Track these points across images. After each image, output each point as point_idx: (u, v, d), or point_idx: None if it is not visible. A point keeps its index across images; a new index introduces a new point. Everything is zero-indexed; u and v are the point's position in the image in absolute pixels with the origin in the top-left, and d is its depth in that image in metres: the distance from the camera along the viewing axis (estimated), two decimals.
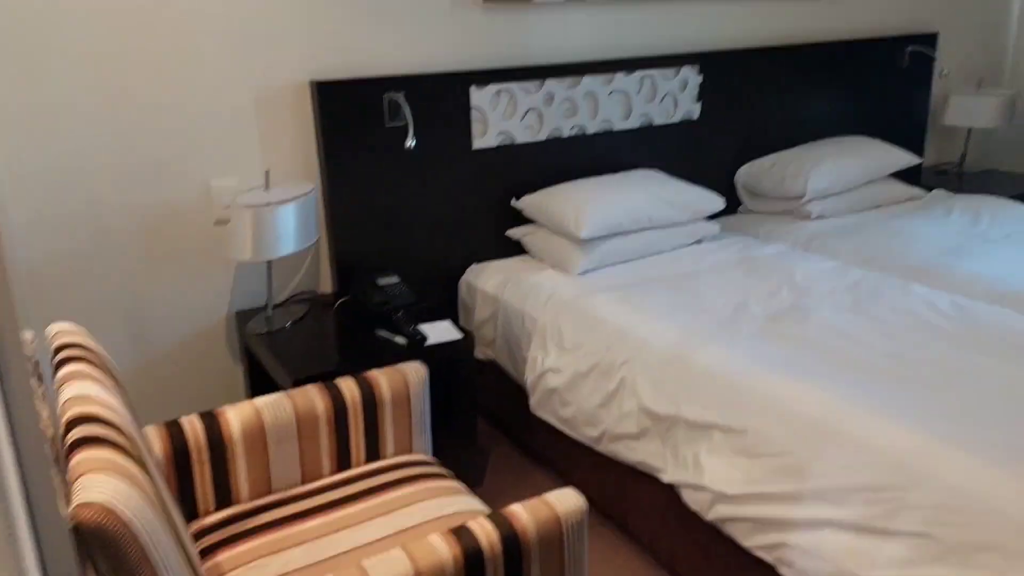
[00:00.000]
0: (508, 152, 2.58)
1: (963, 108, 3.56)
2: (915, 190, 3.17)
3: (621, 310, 2.11)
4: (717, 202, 2.65)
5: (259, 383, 2.32)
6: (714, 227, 2.68)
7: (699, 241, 2.65)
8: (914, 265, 2.44)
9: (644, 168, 2.82)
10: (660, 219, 2.52)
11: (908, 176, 3.51)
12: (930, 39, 3.50)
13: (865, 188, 3.05)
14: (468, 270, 2.56)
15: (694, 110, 2.93)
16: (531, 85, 2.56)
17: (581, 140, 2.71)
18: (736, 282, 2.29)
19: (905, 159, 3.12)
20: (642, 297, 2.18)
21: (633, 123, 2.80)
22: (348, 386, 1.71)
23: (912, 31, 3.53)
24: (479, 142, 2.51)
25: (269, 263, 2.20)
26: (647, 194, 2.54)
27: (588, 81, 2.67)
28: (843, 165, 2.97)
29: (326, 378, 1.79)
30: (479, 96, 2.47)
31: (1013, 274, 2.32)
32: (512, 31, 2.57)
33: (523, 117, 2.57)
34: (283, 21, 2.21)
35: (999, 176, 3.68)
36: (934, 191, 3.24)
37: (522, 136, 2.59)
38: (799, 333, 1.95)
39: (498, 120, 2.53)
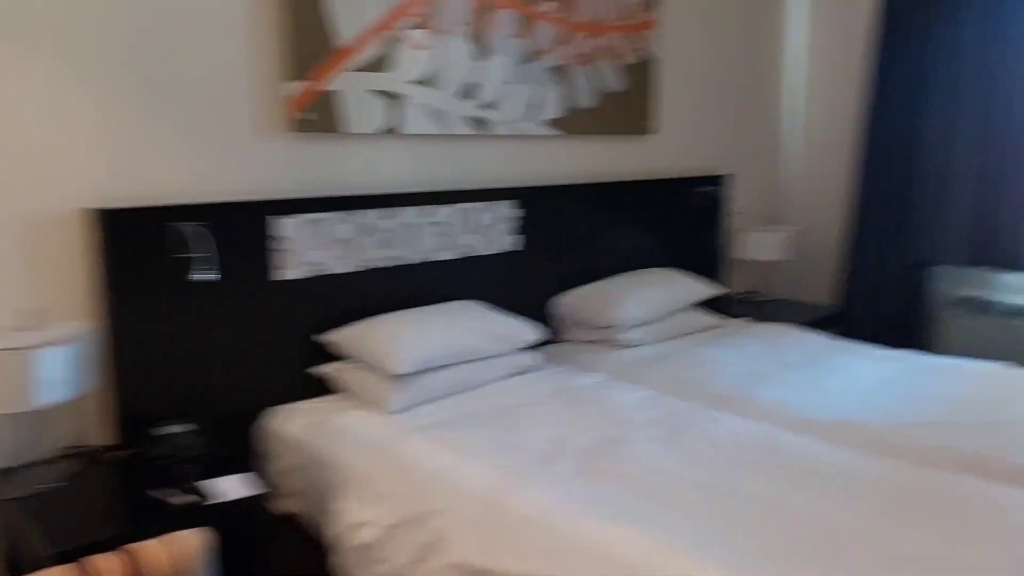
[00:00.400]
0: (319, 284, 2.45)
1: (755, 243, 3.88)
2: (718, 318, 3.35)
3: (436, 452, 1.99)
4: (537, 333, 2.65)
5: (15, 559, 1.94)
6: (534, 358, 2.66)
7: (520, 373, 2.61)
8: (720, 393, 2.51)
9: (465, 299, 2.78)
10: (480, 351, 2.47)
11: (713, 305, 3.72)
12: (724, 180, 3.82)
13: (674, 317, 3.18)
14: (271, 413, 2.35)
15: (513, 242, 2.97)
16: (345, 215, 2.48)
17: (399, 271, 2.64)
18: (555, 415, 2.25)
19: (709, 290, 3.31)
20: (459, 436, 2.08)
21: (453, 254, 2.78)
22: (108, 565, 1.44)
23: (708, 172, 3.85)
24: (286, 273, 2.37)
25: (30, 414, 1.89)
26: (466, 326, 2.49)
27: (406, 212, 2.63)
28: (653, 296, 3.09)
29: (91, 551, 1.51)
30: (287, 225, 2.36)
31: (808, 400, 2.44)
32: (324, 160, 2.51)
33: (335, 247, 2.47)
34: (60, 145, 2.01)
35: (792, 305, 4.00)
36: (736, 320, 3.45)
37: (334, 267, 2.48)
38: (615, 468, 1.91)
39: (308, 250, 2.41)
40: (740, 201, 4.10)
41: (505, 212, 2.93)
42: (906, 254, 3.89)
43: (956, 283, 3.87)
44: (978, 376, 2.65)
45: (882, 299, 3.99)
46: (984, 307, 3.68)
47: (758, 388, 2.54)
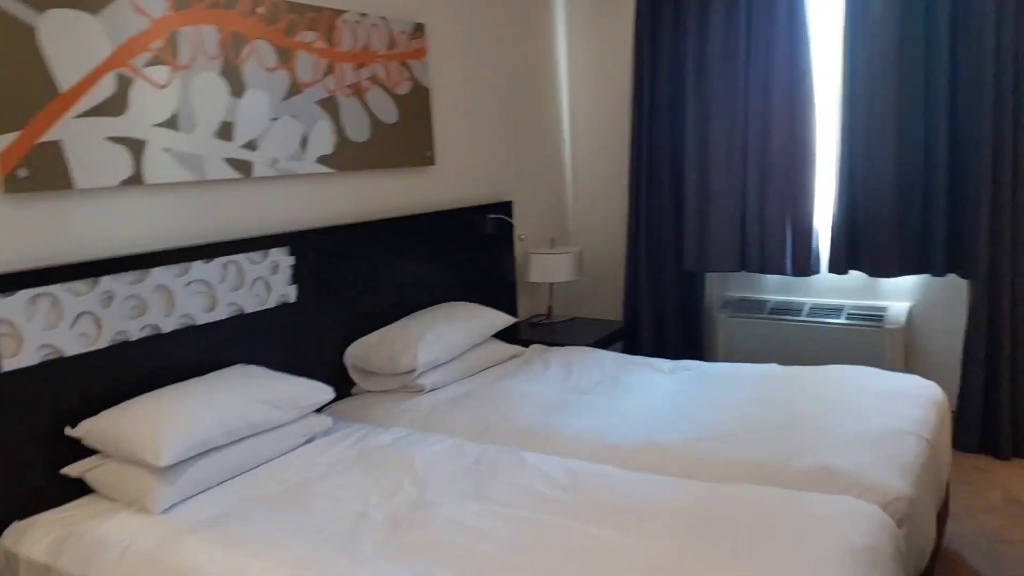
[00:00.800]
0: (56, 369, 2.07)
1: (542, 266, 3.90)
2: (516, 348, 3.31)
3: (217, 554, 1.72)
4: (325, 392, 2.43)
5: None
6: (325, 421, 2.44)
7: (311, 439, 2.38)
8: (523, 429, 2.45)
9: (239, 364, 2.50)
10: (261, 423, 2.21)
11: (508, 333, 3.69)
12: (507, 207, 3.81)
13: (471, 353, 3.09)
14: (7, 532, 1.94)
15: (290, 293, 2.72)
16: (81, 285, 2.12)
17: (155, 342, 2.31)
18: (354, 484, 2.06)
19: (503, 319, 3.26)
20: (243, 529, 1.82)
21: (220, 315, 2.49)
22: None
23: (491, 200, 3.83)
24: (11, 363, 1.97)
25: None
26: (242, 396, 2.22)
27: (158, 273, 2.31)
28: (448, 333, 2.97)
29: None
30: (6, 306, 1.97)
31: (607, 425, 2.43)
32: (49, 223, 2.13)
33: (73, 324, 2.10)
34: None
35: (583, 323, 4.06)
36: (532, 346, 3.42)
37: (74, 347, 2.11)
38: (424, 538, 1.77)
39: (37, 332, 2.03)
40: (525, 226, 4.12)
41: (277, 261, 2.68)
42: (680, 264, 4.11)
43: (726, 288, 4.15)
44: (756, 379, 2.80)
45: (663, 309, 4.19)
46: (751, 307, 3.96)
47: (559, 418, 2.50)
